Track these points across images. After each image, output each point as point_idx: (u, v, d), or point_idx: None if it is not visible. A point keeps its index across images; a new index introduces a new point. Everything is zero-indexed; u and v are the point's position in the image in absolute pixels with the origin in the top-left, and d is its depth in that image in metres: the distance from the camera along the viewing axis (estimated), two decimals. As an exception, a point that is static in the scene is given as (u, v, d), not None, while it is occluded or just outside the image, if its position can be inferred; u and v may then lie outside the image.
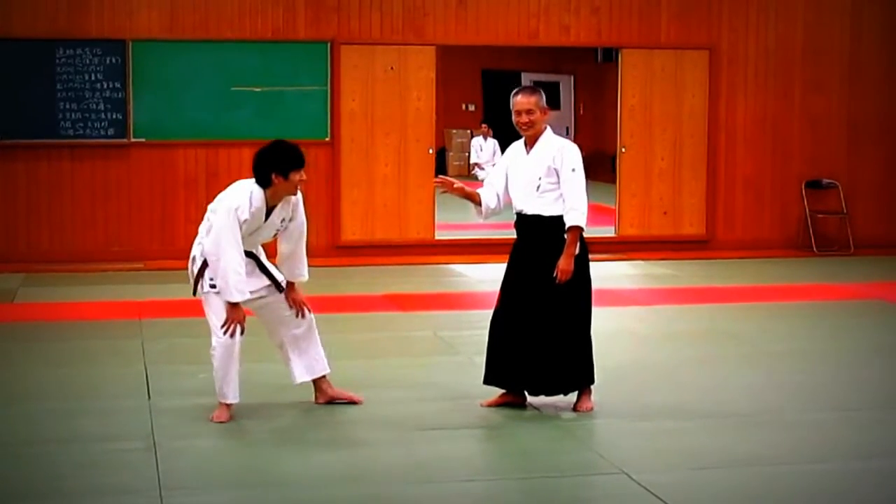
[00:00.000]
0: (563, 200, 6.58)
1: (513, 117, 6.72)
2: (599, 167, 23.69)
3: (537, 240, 6.64)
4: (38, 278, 11.82)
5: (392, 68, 13.20)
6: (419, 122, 13.32)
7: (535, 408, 6.77)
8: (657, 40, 13.73)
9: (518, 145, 6.83)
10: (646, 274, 12.54)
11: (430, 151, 13.39)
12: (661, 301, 10.72)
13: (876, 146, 14.31)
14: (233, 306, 6.38)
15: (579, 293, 6.65)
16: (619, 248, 13.68)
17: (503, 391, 6.82)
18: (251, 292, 6.47)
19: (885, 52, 14.20)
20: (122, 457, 5.90)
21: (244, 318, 6.44)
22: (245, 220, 6.34)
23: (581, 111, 25.30)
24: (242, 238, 6.37)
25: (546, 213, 6.62)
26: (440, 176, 7.00)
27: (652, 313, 10.16)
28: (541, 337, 6.61)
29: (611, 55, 20.55)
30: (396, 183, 13.30)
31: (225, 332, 6.38)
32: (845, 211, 14.12)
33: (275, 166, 6.33)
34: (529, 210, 6.67)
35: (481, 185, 7.00)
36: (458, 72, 23.97)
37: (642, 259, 13.30)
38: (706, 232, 13.97)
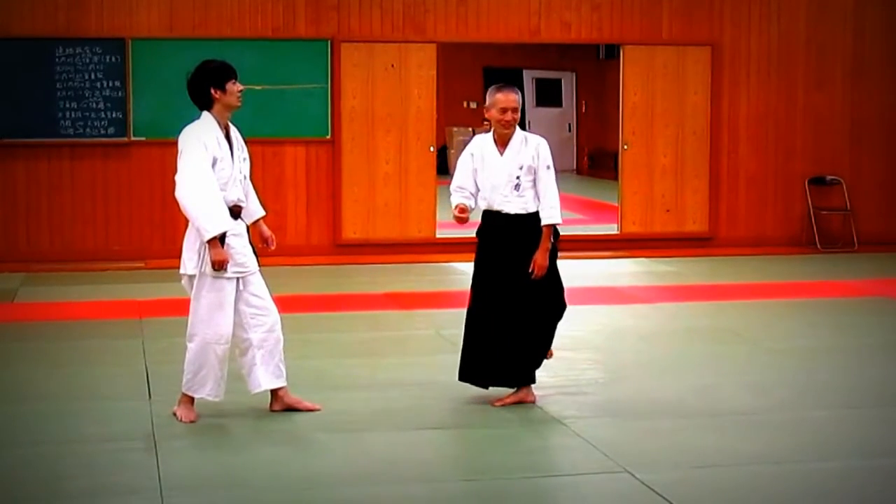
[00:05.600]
0: (539, 198, 6.62)
1: (494, 113, 6.63)
2: (602, 164, 23.69)
3: (514, 237, 6.66)
4: (39, 278, 11.79)
5: (393, 66, 13.16)
6: (420, 119, 13.29)
7: (539, 407, 6.74)
8: (659, 37, 13.69)
9: (484, 144, 6.76)
10: (648, 271, 12.50)
11: (432, 149, 13.36)
12: (664, 298, 10.69)
13: (879, 142, 14.26)
14: (215, 246, 6.21)
15: (554, 285, 6.70)
16: (622, 245, 13.65)
17: (514, 389, 6.81)
18: (245, 269, 6.37)
19: (888, 48, 14.15)
20: (123, 457, 5.87)
21: (227, 259, 6.25)
22: (214, 155, 6.26)
23: (583, 108, 25.24)
24: (223, 187, 6.29)
25: (526, 211, 6.65)
26: (459, 205, 6.83)
27: (655, 311, 10.13)
28: (514, 330, 6.65)
29: (613, 52, 20.54)
30: (397, 181, 13.27)
31: (216, 270, 6.26)
32: (849, 208, 14.08)
33: (211, 80, 6.39)
34: (510, 209, 6.68)
35: None
36: (460, 69, 23.96)
37: (645, 256, 13.26)
38: (709, 229, 13.93)
